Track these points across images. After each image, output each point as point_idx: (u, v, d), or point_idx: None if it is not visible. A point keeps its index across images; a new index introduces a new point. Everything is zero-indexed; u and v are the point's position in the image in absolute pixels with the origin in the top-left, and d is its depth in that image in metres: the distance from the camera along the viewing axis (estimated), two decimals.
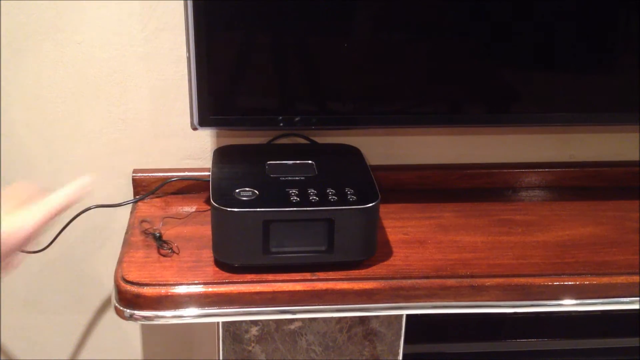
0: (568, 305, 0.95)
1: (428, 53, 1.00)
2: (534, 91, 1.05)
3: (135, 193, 1.16)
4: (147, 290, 0.91)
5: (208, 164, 1.13)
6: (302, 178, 0.95)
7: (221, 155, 1.04)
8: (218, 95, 1.00)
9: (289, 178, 0.94)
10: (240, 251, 0.90)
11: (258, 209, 0.89)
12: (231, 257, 0.91)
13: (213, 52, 0.96)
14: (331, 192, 0.91)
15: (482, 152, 1.21)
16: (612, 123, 1.13)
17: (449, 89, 1.02)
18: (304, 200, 0.90)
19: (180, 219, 1.07)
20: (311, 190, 0.91)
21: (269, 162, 0.99)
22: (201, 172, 1.15)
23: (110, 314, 1.26)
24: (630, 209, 1.13)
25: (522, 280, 0.94)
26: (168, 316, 0.90)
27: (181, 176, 1.14)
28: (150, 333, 1.30)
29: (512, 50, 1.01)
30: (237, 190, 0.91)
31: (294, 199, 0.89)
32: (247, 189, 0.91)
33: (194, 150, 1.17)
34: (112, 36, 1.08)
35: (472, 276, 0.93)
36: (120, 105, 1.13)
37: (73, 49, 1.08)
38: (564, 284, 0.94)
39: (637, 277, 0.94)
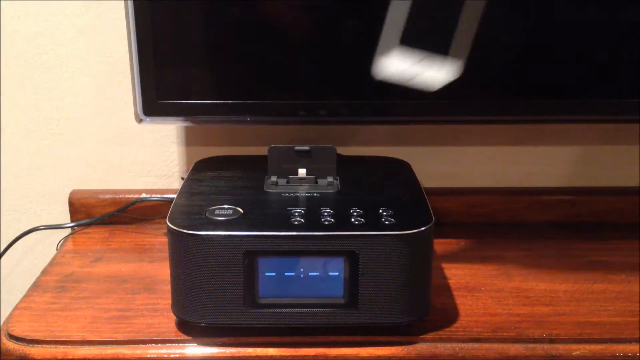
0: None
1: None
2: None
3: None
4: None
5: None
6: (316, 194, 0.81)
7: (206, 165, 0.93)
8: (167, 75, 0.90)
9: (295, 194, 0.81)
10: (208, 302, 0.74)
11: (237, 233, 0.73)
12: (194, 313, 0.75)
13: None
14: (357, 212, 0.76)
15: (559, 171, 1.09)
16: None
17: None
18: (313, 222, 0.75)
19: None
20: (325, 210, 0.76)
21: (271, 176, 0.86)
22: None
23: None
24: None
25: (631, 347, 0.76)
26: None
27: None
28: None
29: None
30: (210, 208, 0.76)
31: (297, 220, 0.74)
32: (227, 206, 0.77)
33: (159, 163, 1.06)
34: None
35: (551, 340, 0.77)
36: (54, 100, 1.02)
37: None
38: None
39: None
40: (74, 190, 1.02)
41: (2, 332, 0.76)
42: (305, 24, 0.90)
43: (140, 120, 0.88)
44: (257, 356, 0.73)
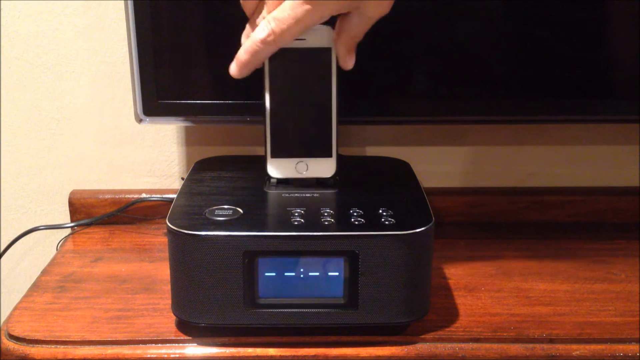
0: None
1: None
2: None
3: None
4: None
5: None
6: (316, 194, 0.80)
7: (206, 165, 0.92)
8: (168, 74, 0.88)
9: (295, 194, 0.80)
10: (208, 302, 0.73)
11: (237, 233, 0.72)
12: (195, 312, 0.74)
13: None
14: (357, 212, 0.75)
15: (560, 170, 1.07)
16: None
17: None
18: (313, 222, 0.74)
19: None
20: (325, 210, 0.75)
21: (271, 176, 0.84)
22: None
23: None
24: None
25: (631, 347, 0.75)
26: None
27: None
28: None
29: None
30: (210, 208, 0.75)
31: (297, 220, 0.73)
32: (227, 206, 0.76)
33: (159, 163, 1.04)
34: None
35: (551, 340, 0.76)
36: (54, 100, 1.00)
37: None
38: None
39: None
40: (74, 190, 1.01)
41: (2, 332, 0.75)
42: None
43: (140, 120, 0.87)
44: (257, 356, 0.72)
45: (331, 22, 0.73)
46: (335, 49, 0.73)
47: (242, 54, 0.69)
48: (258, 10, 0.71)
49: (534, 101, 0.92)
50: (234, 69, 0.71)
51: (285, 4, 0.66)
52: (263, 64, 0.74)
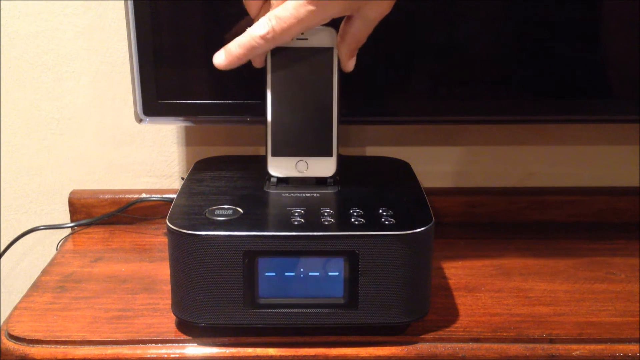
0: None
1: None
2: None
3: None
4: None
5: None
6: (316, 194, 0.80)
7: (206, 165, 0.91)
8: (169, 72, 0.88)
9: (295, 194, 0.79)
10: (208, 302, 0.73)
11: (237, 233, 0.71)
12: (195, 312, 0.73)
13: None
14: (357, 212, 0.75)
15: (560, 170, 1.06)
16: None
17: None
18: (313, 222, 0.73)
19: None
20: (325, 210, 0.75)
21: (271, 176, 0.83)
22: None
23: None
24: None
25: (631, 347, 0.75)
26: None
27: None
28: None
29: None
30: (210, 208, 0.75)
31: (297, 220, 0.73)
32: (227, 206, 0.76)
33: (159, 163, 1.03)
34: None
35: (551, 340, 0.76)
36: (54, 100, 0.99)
37: None
38: None
39: None
40: (74, 190, 1.00)
41: (2, 332, 0.75)
42: None
43: (140, 120, 0.86)
44: (257, 356, 0.72)
45: (332, 23, 0.73)
46: (337, 53, 0.73)
47: (235, 48, 0.69)
48: (263, 11, 0.70)
49: (534, 101, 0.91)
50: (222, 60, 0.70)
51: (288, 3, 0.66)
52: (265, 62, 0.74)
